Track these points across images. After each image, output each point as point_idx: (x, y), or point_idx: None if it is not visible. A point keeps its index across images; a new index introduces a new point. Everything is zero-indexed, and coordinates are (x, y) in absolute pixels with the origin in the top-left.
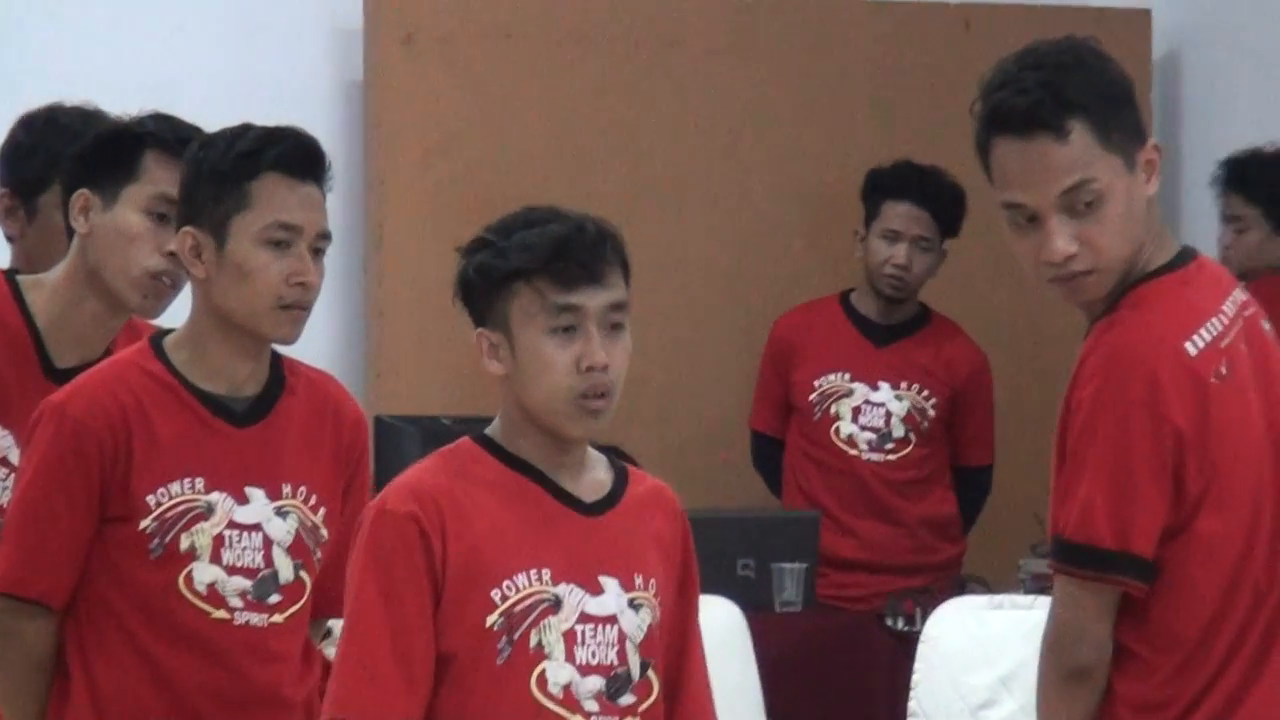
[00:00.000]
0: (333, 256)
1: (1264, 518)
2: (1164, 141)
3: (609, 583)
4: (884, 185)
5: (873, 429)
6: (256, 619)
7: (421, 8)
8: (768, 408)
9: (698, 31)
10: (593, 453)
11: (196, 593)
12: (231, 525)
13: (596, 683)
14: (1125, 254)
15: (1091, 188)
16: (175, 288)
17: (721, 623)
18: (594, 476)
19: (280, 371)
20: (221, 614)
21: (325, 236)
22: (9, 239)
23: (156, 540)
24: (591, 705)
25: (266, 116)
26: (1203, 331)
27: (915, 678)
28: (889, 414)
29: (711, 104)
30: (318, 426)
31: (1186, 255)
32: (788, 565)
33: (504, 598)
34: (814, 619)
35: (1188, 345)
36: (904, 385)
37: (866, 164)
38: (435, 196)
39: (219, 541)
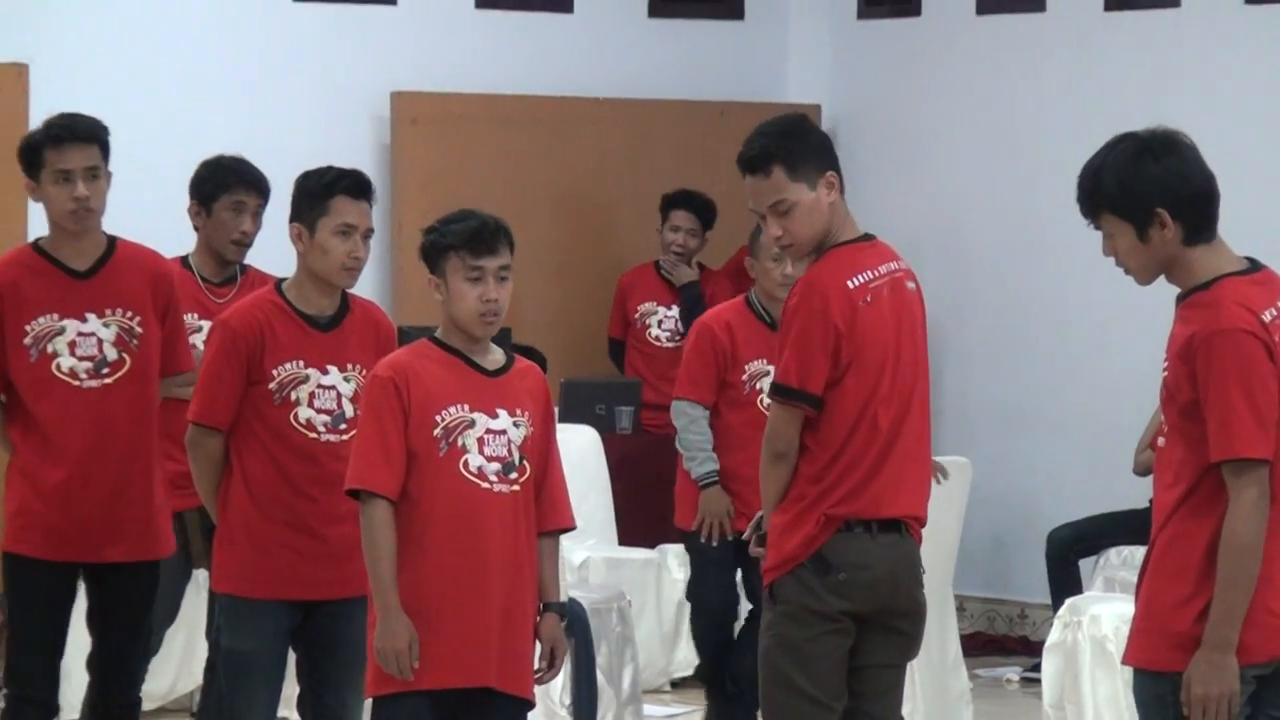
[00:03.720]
0: (375, 237)
1: (884, 382)
2: None
3: (502, 412)
4: (670, 203)
5: (668, 331)
6: (333, 438)
7: (423, 103)
8: (616, 323)
9: (575, 124)
10: (493, 345)
11: (299, 423)
12: (319, 386)
13: (496, 466)
14: (809, 237)
15: (786, 202)
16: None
17: (586, 441)
18: (494, 357)
19: (347, 301)
20: (313, 435)
21: (370, 231)
22: (196, 229)
23: (278, 394)
24: (493, 478)
25: (337, 163)
26: (859, 277)
27: None
28: (677, 322)
29: (587, 166)
30: (366, 331)
31: (868, 237)
32: (623, 407)
33: (442, 419)
34: (639, 439)
35: (848, 282)
36: (675, 307)
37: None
38: (429, 206)
39: (312, 395)
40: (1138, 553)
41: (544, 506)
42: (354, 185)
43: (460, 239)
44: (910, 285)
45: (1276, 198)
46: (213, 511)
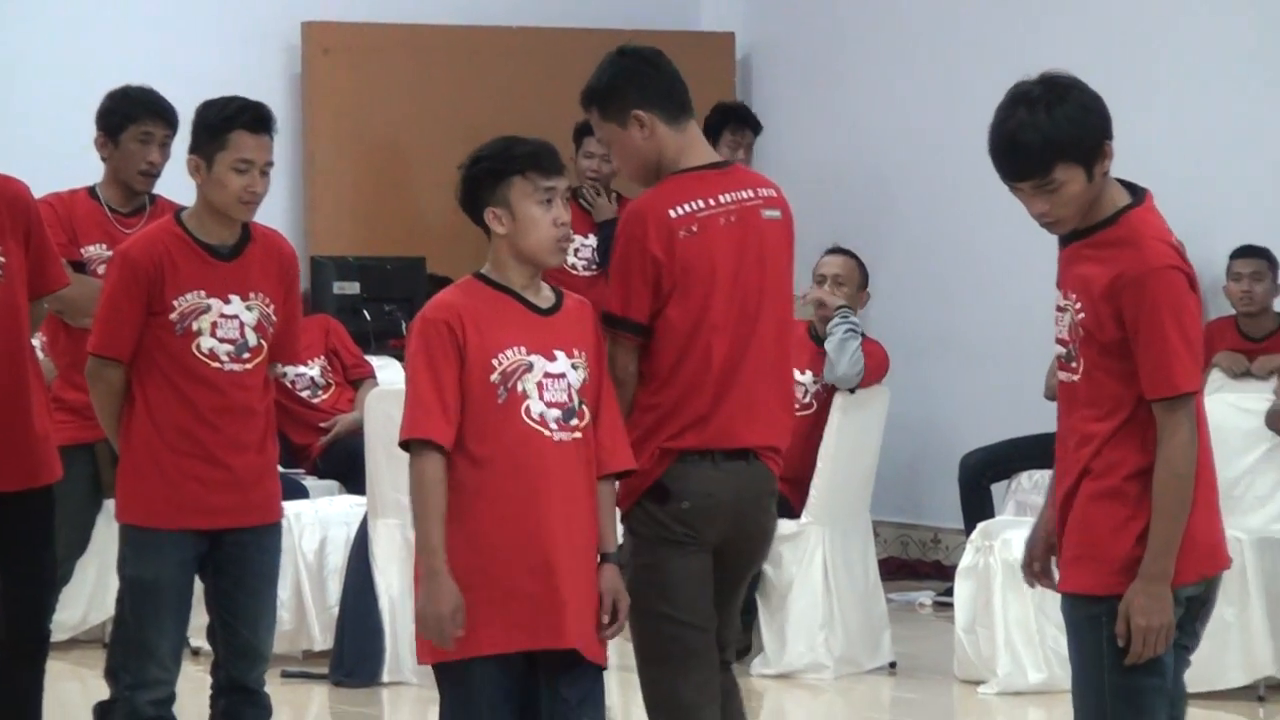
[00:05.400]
0: (286, 168)
1: (714, 310)
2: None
3: (559, 354)
4: (582, 130)
5: (585, 259)
6: (237, 367)
7: (334, 33)
8: None
9: (487, 53)
10: (543, 283)
11: (202, 353)
12: (221, 316)
13: (556, 413)
14: (631, 170)
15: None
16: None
17: None
18: (545, 294)
19: (248, 230)
20: (216, 365)
21: (270, 164)
22: (103, 160)
23: (179, 324)
24: (554, 425)
25: (247, 93)
26: (685, 206)
27: None
28: (594, 251)
29: (499, 95)
30: (268, 259)
31: (722, 165)
32: None
33: (499, 363)
34: None
35: (670, 211)
36: (591, 236)
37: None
38: (341, 137)
39: (214, 325)
40: (1049, 476)
41: (599, 448)
42: (254, 119)
43: (526, 160)
44: (770, 213)
45: (1206, 131)
46: (115, 442)
